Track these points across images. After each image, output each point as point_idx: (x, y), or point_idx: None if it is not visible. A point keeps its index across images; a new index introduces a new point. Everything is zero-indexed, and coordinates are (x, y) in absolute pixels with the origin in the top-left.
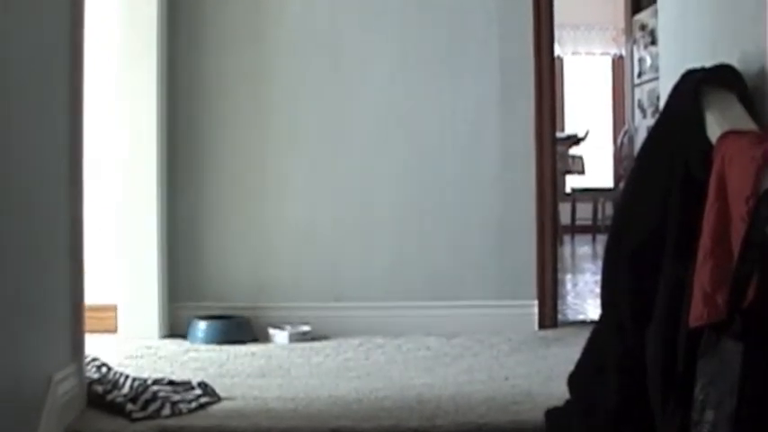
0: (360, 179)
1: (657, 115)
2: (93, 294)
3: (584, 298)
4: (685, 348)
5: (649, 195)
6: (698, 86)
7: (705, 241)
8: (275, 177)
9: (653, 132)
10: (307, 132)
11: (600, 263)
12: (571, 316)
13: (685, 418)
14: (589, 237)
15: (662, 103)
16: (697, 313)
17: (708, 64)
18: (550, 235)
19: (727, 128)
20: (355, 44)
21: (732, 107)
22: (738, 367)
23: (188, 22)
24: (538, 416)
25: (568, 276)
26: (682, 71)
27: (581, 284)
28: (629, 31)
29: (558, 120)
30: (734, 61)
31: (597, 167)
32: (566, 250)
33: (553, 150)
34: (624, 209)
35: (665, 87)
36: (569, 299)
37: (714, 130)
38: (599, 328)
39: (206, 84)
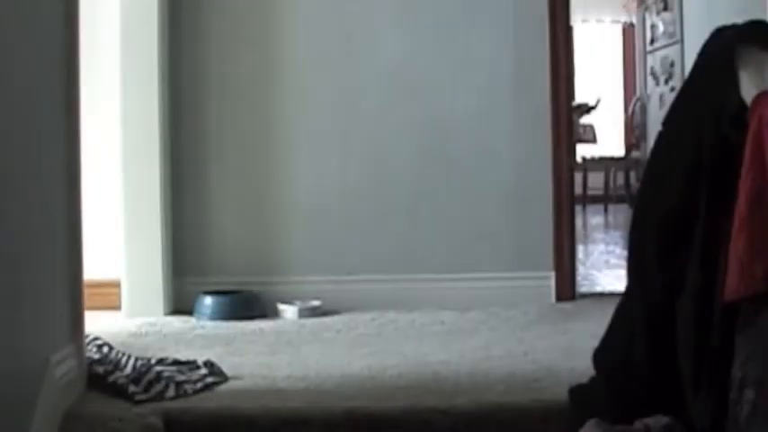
0: (371, 150)
1: (686, 77)
2: (96, 270)
3: (600, 269)
4: (720, 323)
5: (679, 160)
6: (731, 44)
7: (741, 208)
8: (283, 149)
9: (681, 95)
10: (316, 104)
11: (612, 233)
12: (587, 288)
13: (720, 397)
14: (601, 207)
15: (681, 68)
16: (733, 286)
17: (739, 21)
18: (567, 205)
19: (763, 87)
20: (366, 14)
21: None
22: None
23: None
24: (561, 393)
25: (581, 247)
26: (708, 32)
27: (595, 255)
28: None
29: None
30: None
31: (608, 136)
32: (577, 221)
33: (569, 119)
34: (652, 175)
35: (691, 49)
36: (583, 270)
37: (749, 89)
38: (625, 300)
39: (211, 56)
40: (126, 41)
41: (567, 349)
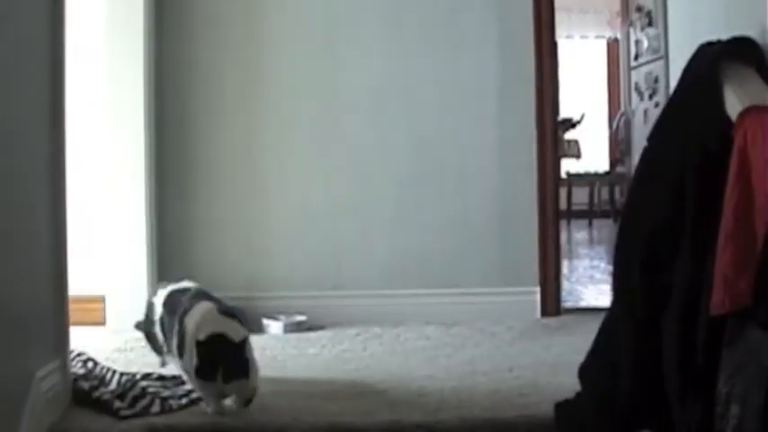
0: (357, 165)
1: (671, 93)
2: (80, 285)
3: (584, 284)
4: (706, 338)
5: (664, 175)
6: (715, 60)
7: (726, 223)
8: (268, 166)
9: (666, 110)
10: (301, 121)
11: (597, 248)
12: (572, 303)
13: (706, 412)
14: (585, 222)
15: (666, 83)
16: (718, 300)
17: (723, 37)
18: (552, 220)
19: (748, 103)
20: (350, 26)
21: (752, 81)
22: (767, 358)
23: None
24: (547, 409)
25: (565, 262)
26: (692, 48)
27: (580, 270)
28: (625, 13)
29: None
30: (751, 33)
31: (592, 152)
32: (562, 236)
33: (554, 134)
34: (638, 191)
35: (675, 64)
36: (567, 285)
37: (734, 105)
38: (611, 315)
39: (195, 70)
40: (111, 55)
41: (552, 365)
